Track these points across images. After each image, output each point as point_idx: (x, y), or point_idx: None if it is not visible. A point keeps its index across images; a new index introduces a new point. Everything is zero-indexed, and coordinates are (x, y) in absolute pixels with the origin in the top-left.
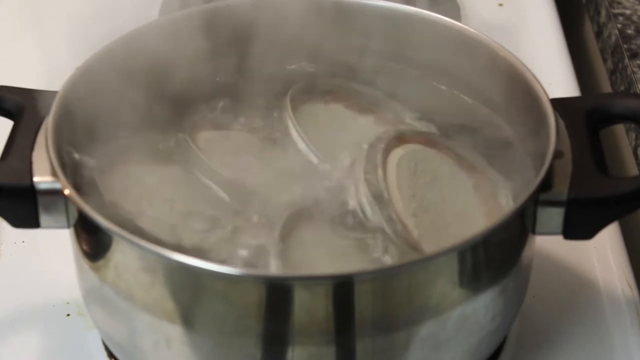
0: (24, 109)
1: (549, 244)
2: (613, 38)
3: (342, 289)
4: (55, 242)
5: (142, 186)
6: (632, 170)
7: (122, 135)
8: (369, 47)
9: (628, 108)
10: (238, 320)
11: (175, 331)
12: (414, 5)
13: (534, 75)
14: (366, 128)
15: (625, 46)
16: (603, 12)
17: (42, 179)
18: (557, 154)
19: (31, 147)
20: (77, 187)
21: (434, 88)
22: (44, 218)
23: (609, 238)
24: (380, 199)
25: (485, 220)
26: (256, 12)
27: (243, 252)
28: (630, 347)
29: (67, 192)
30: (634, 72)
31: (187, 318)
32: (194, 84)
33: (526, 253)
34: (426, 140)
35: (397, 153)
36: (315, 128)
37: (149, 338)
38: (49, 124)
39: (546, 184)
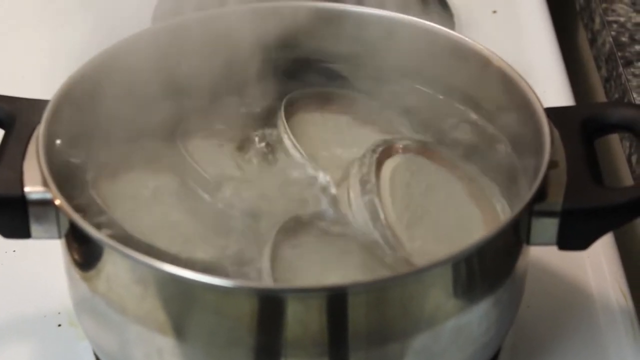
0: (15, 118)
1: (542, 254)
2: (607, 46)
3: (336, 301)
4: (46, 251)
5: (134, 195)
6: (626, 178)
7: (114, 145)
8: (362, 55)
9: (623, 118)
10: (230, 333)
11: (167, 343)
12: (408, 13)
13: (528, 84)
14: (360, 137)
15: (619, 54)
16: (597, 20)
17: (33, 189)
18: (552, 164)
19: (22, 157)
20: (68, 198)
21: (427, 97)
22: (34, 228)
23: (603, 248)
24: (373, 209)
25: (479, 231)
26: (250, 20)
27: (235, 263)
28: (625, 357)
29: (58, 202)
30: (628, 80)
31: (179, 330)
32: (187, 92)
33: (520, 264)
34: (421, 149)
35: (392, 162)
36: (309, 137)
37: (141, 349)
38: (40, 133)
39: (541, 195)
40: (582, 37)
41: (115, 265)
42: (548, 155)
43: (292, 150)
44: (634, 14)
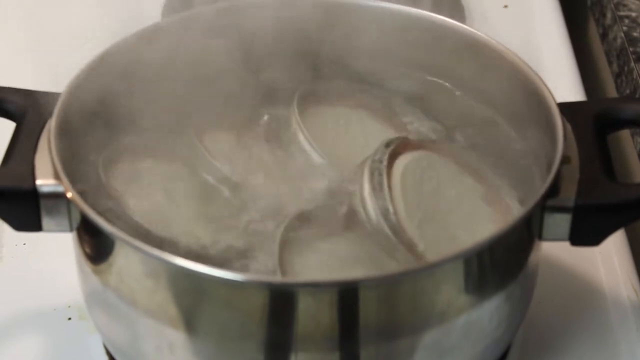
0: (26, 111)
1: (554, 250)
2: (619, 41)
3: (347, 295)
4: (56, 244)
5: (146, 187)
6: (637, 173)
7: (126, 137)
8: (375, 49)
9: (635, 113)
10: (241, 327)
11: (178, 336)
12: (419, 7)
13: (541, 79)
14: (373, 132)
15: (630, 49)
16: (608, 15)
17: (45, 182)
18: (565, 160)
19: (34, 150)
20: (80, 190)
21: (440, 91)
22: (46, 221)
23: (615, 244)
24: (384, 206)
25: (492, 227)
26: (261, 13)
27: (247, 257)
28: (635, 353)
29: (69, 195)
30: (639, 76)
31: (190, 323)
32: (199, 85)
33: (532, 259)
34: (433, 145)
35: (403, 159)
36: (322, 131)
37: (151, 343)
38: (51, 126)
39: (553, 190)
40: (593, 32)
41: (127, 258)
42: (561, 150)
43: (304, 144)
44: None
